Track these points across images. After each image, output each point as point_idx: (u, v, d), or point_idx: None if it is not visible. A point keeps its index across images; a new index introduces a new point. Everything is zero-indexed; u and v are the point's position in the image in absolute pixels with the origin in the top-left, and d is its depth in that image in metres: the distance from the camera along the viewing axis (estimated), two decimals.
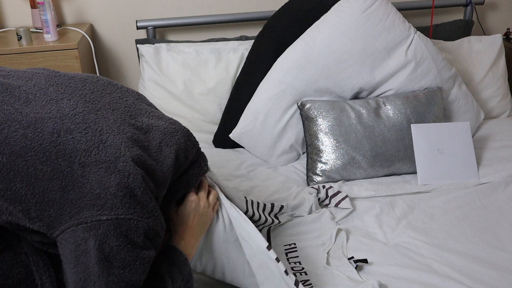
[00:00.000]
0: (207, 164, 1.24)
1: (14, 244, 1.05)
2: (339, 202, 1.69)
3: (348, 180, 1.90)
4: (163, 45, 2.19)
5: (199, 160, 1.20)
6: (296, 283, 1.21)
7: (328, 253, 1.48)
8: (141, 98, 1.22)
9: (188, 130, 1.18)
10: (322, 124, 1.88)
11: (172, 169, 1.09)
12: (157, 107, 1.26)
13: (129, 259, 0.97)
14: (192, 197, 1.20)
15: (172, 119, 1.19)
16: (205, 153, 1.25)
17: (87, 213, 0.95)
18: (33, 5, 2.16)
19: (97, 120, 1.04)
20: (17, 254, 1.05)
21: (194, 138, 1.19)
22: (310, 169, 1.90)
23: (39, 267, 1.05)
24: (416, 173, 1.89)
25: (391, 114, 1.91)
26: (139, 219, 0.98)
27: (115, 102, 1.12)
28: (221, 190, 1.32)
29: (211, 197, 1.25)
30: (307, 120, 1.92)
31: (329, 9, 2.06)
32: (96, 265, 0.95)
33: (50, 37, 2.04)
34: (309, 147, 1.91)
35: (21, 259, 1.05)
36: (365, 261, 1.42)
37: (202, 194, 1.23)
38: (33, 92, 1.05)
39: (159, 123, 1.14)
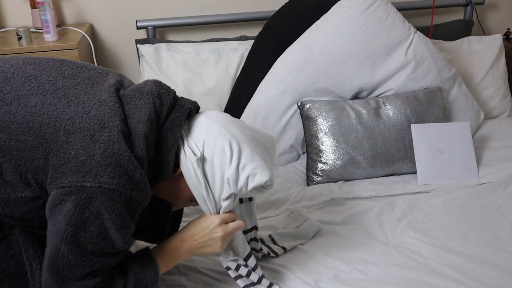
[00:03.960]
0: (194, 103, 1.19)
1: (7, 235, 1.06)
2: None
3: (348, 180, 1.90)
4: (163, 45, 2.19)
5: (179, 102, 1.16)
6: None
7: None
8: (123, 77, 1.20)
9: (160, 81, 1.17)
10: (322, 124, 1.88)
11: (150, 120, 1.06)
12: None
13: (99, 233, 0.99)
14: (216, 218, 1.18)
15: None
16: None
17: (71, 178, 0.96)
18: (33, 5, 2.16)
19: (77, 94, 1.05)
20: (8, 248, 1.06)
21: (167, 86, 1.17)
22: (310, 169, 1.90)
23: (29, 254, 1.07)
24: (416, 173, 1.89)
25: (391, 114, 1.91)
26: (123, 191, 0.98)
27: (95, 77, 1.12)
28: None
29: (231, 228, 1.20)
30: (307, 120, 1.92)
31: (329, 9, 2.06)
32: (64, 228, 0.97)
33: (50, 37, 2.04)
34: (309, 147, 1.91)
35: (12, 253, 1.06)
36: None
37: (226, 227, 1.19)
38: (11, 71, 1.06)
39: (134, 86, 1.14)
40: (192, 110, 1.17)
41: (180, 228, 1.26)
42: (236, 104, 2.08)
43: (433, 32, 2.43)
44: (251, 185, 1.12)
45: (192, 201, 1.21)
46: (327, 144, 1.86)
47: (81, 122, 1.00)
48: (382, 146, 1.88)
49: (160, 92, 1.13)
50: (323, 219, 1.66)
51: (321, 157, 1.87)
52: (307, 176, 1.91)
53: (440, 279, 1.37)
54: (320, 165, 1.88)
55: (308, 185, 1.89)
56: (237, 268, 1.27)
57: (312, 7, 2.10)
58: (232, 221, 1.20)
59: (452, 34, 2.46)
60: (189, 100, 1.19)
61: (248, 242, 1.37)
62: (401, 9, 2.37)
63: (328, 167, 1.87)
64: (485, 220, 1.64)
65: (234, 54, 2.19)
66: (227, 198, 1.15)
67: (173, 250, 1.20)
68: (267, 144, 1.20)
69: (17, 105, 1.00)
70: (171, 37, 2.44)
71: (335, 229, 1.61)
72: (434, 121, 1.96)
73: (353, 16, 1.98)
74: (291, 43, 2.03)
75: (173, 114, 1.12)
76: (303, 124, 1.94)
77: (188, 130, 1.15)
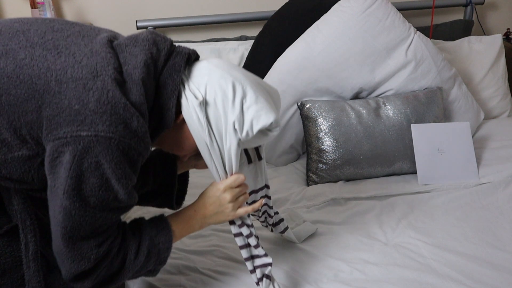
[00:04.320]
0: (193, 50, 1.16)
1: (8, 231, 1.06)
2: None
3: (348, 180, 1.90)
4: None
5: (177, 49, 1.12)
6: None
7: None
8: (116, 32, 1.16)
9: (155, 31, 1.14)
10: (322, 124, 1.88)
11: (147, 66, 1.04)
12: None
13: (100, 184, 0.98)
14: (220, 185, 1.17)
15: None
16: None
17: (66, 128, 0.94)
18: (33, 5, 2.16)
19: (67, 45, 1.02)
20: (8, 244, 1.06)
21: (163, 35, 1.14)
22: (310, 169, 1.90)
23: (25, 225, 1.06)
24: (416, 173, 1.89)
25: (391, 114, 1.91)
26: (120, 139, 0.96)
27: (86, 31, 1.09)
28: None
29: (242, 198, 1.20)
30: (307, 120, 1.92)
31: (329, 9, 2.06)
32: (64, 181, 0.96)
33: None
34: (309, 147, 1.91)
35: (11, 250, 1.06)
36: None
37: (232, 191, 1.18)
38: None
39: (128, 36, 1.11)
40: (191, 55, 1.13)
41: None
42: None
43: (433, 32, 2.43)
44: (256, 127, 1.09)
45: (197, 153, 1.18)
46: (327, 144, 1.87)
47: (72, 71, 0.98)
48: (382, 146, 1.88)
49: (156, 40, 1.10)
50: (323, 219, 1.66)
51: (321, 157, 1.87)
52: (307, 176, 1.91)
53: (440, 279, 1.37)
54: (320, 165, 1.88)
55: (308, 185, 1.89)
56: (249, 235, 1.24)
57: (312, 7, 2.10)
58: (238, 184, 1.18)
59: (452, 34, 2.46)
60: (187, 47, 1.15)
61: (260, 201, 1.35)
62: (401, 9, 2.37)
63: (328, 167, 1.87)
64: (485, 220, 1.64)
65: (234, 54, 2.19)
66: (234, 152, 1.12)
67: (187, 219, 1.19)
68: (271, 91, 1.17)
69: (5, 60, 0.98)
70: (171, 37, 2.44)
71: (335, 229, 1.61)
72: (434, 121, 1.96)
73: (353, 16, 1.98)
74: (291, 43, 2.03)
75: (171, 60, 1.09)
76: (303, 124, 1.94)
77: (189, 75, 1.11)
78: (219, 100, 1.08)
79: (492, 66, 2.35)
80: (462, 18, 2.62)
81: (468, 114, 2.16)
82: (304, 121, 1.93)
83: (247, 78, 1.12)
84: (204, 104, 1.08)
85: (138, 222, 1.15)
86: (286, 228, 1.48)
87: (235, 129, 1.09)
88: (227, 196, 1.17)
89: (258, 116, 1.09)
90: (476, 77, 2.33)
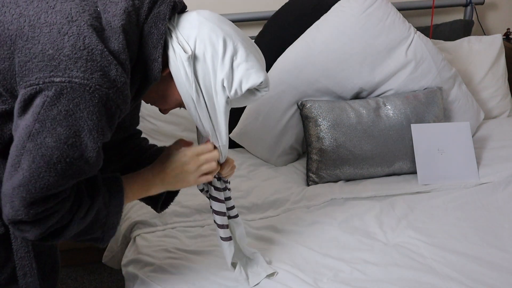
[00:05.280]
0: (181, 1, 1.10)
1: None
2: None
3: (348, 180, 1.90)
4: None
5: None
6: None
7: None
8: None
9: None
10: (322, 124, 1.88)
11: (127, 13, 0.99)
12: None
13: (67, 137, 0.91)
14: (188, 151, 1.14)
15: None
16: None
17: (39, 74, 0.90)
18: None
19: None
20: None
21: None
22: (310, 169, 1.90)
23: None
24: (416, 173, 1.89)
25: (391, 114, 1.91)
26: (96, 87, 0.91)
27: None
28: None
29: (206, 166, 1.16)
30: (307, 120, 1.92)
31: (329, 9, 2.06)
32: (32, 124, 0.90)
33: None
34: (309, 147, 1.91)
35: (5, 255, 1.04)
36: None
37: (198, 159, 1.15)
38: None
39: None
40: (177, 4, 1.07)
41: None
42: None
43: (433, 32, 2.43)
44: (245, 86, 1.07)
45: (181, 106, 1.15)
46: (327, 144, 1.86)
47: (46, 16, 0.93)
48: (382, 146, 1.88)
49: None
50: (323, 219, 1.66)
51: (321, 157, 1.87)
52: (307, 176, 1.91)
53: (440, 279, 1.37)
54: (320, 165, 1.88)
55: (308, 185, 1.89)
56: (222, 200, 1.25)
57: (312, 7, 2.10)
58: (207, 154, 1.15)
59: (452, 34, 2.46)
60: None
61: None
62: (401, 9, 2.36)
63: (328, 167, 1.87)
64: (485, 220, 1.64)
65: None
66: (222, 110, 1.09)
67: (143, 183, 1.15)
68: (259, 51, 1.15)
69: None
70: None
71: (335, 229, 1.61)
72: (434, 121, 1.96)
73: (353, 16, 1.98)
74: (291, 43, 2.03)
75: (155, 8, 1.03)
76: (303, 124, 1.94)
77: (177, 26, 1.06)
78: (208, 56, 1.05)
79: (492, 66, 2.35)
80: (462, 18, 2.61)
81: (468, 114, 2.16)
82: (304, 121, 1.93)
83: (239, 35, 1.09)
84: (193, 58, 1.04)
85: (93, 181, 1.06)
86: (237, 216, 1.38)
87: (223, 87, 1.07)
88: (192, 164, 1.14)
89: (248, 74, 1.07)
90: (476, 77, 2.33)
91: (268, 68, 2.04)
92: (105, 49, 0.93)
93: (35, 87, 0.90)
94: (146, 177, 1.16)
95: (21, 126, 0.92)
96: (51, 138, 0.91)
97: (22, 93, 0.92)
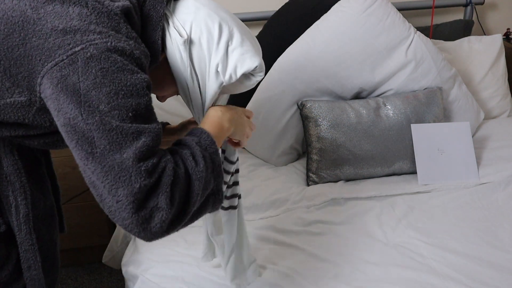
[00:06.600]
0: None
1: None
2: None
3: (348, 180, 1.90)
4: None
5: None
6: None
7: None
8: None
9: None
10: (322, 124, 1.88)
11: None
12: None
13: (117, 86, 0.89)
14: (238, 109, 1.16)
15: None
16: None
17: (59, 51, 0.90)
18: None
19: None
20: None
21: None
22: (310, 169, 1.90)
23: (15, 188, 1.03)
24: (416, 173, 1.89)
25: (391, 114, 1.92)
26: (117, 43, 0.90)
27: None
28: None
29: (249, 129, 1.18)
30: (307, 120, 1.92)
31: (329, 9, 2.06)
32: (78, 107, 0.87)
33: None
34: (309, 147, 1.91)
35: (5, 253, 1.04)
36: None
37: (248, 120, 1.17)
38: None
39: None
40: None
41: None
42: (236, 104, 2.08)
43: (433, 32, 2.43)
44: (240, 71, 1.06)
45: (178, 93, 1.14)
46: (327, 144, 1.87)
47: None
48: (382, 146, 1.88)
49: None
50: (323, 219, 1.66)
51: (321, 157, 1.87)
52: (307, 176, 1.91)
53: (440, 279, 1.37)
54: (320, 165, 1.88)
55: (308, 185, 1.89)
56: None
57: (312, 7, 2.10)
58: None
59: (452, 34, 2.46)
60: None
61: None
62: (401, 9, 2.37)
63: (328, 167, 1.87)
64: (485, 220, 1.64)
65: None
66: (211, 94, 1.08)
67: (216, 120, 1.09)
68: (255, 38, 1.15)
69: None
70: None
71: (335, 229, 1.61)
72: (434, 121, 1.96)
73: (353, 16, 1.98)
74: (291, 43, 2.03)
75: None
76: (303, 124, 1.94)
77: (173, 11, 1.07)
78: (204, 40, 1.05)
79: (492, 66, 2.35)
80: (462, 18, 2.61)
81: (468, 114, 2.16)
82: (304, 121, 1.94)
83: (234, 20, 1.09)
84: (189, 42, 1.05)
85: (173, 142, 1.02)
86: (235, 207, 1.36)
87: (217, 72, 1.07)
88: (244, 119, 1.16)
89: (243, 59, 1.06)
90: (476, 77, 2.33)
91: (268, 68, 2.04)
92: (111, 11, 0.94)
93: (60, 64, 0.89)
94: (215, 114, 1.10)
95: (64, 103, 0.89)
96: (104, 102, 0.88)
97: (50, 77, 0.90)
